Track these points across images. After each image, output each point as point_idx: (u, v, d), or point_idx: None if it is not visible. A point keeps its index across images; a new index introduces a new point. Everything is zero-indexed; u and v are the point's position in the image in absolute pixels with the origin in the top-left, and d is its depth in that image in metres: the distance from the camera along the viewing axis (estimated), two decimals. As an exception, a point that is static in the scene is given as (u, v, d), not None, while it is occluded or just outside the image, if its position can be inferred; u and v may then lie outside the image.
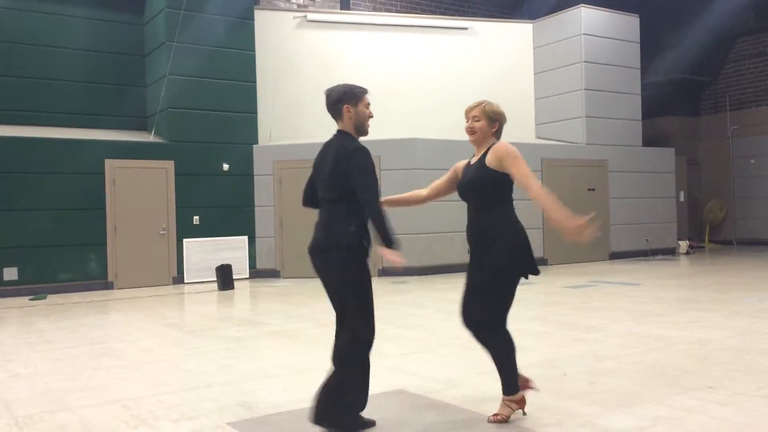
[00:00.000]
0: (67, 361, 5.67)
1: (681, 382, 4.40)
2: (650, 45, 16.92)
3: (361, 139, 3.66)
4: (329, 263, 3.52)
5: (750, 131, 17.76)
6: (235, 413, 4.02)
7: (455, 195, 3.92)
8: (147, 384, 4.79)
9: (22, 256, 10.50)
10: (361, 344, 3.51)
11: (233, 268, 11.32)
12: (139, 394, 4.52)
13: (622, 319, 6.90)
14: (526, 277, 3.65)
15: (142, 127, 12.51)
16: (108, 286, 11.12)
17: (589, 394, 4.17)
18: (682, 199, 16.95)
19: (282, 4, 14.67)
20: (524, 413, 3.74)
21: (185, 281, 11.72)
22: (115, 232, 11.22)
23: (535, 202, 3.47)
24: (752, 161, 17.71)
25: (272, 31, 13.13)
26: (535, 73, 15.14)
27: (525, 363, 5.00)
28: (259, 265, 12.40)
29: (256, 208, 12.44)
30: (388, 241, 3.39)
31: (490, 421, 3.66)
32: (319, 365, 5.19)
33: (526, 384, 3.75)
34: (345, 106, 3.59)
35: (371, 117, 3.67)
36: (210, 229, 12.00)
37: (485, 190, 3.64)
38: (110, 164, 11.21)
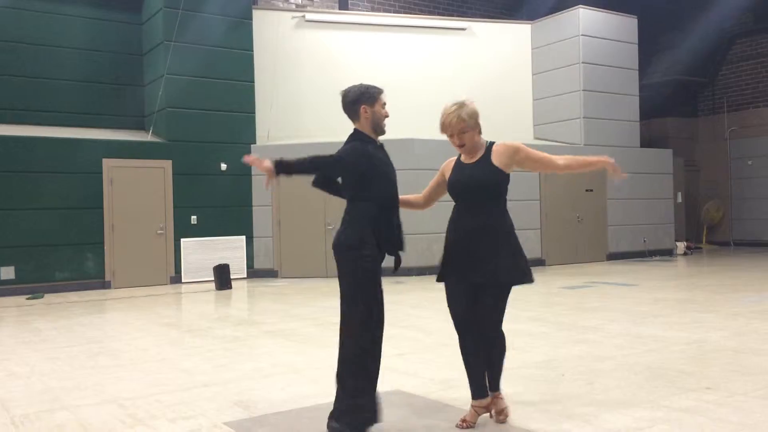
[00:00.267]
0: (65, 360, 5.66)
1: (679, 382, 4.40)
2: (648, 46, 16.95)
3: None
4: (336, 259, 3.57)
5: (748, 132, 17.79)
6: (232, 413, 4.01)
7: None
8: (144, 383, 4.78)
9: (19, 255, 10.48)
10: (355, 348, 3.43)
11: (231, 267, 11.30)
12: (136, 393, 4.51)
13: (620, 320, 6.90)
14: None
15: (140, 127, 12.50)
16: (105, 285, 11.10)
17: (587, 395, 4.17)
18: (679, 200, 16.97)
19: (280, 4, 14.66)
20: (491, 416, 3.71)
21: (183, 281, 11.70)
22: (113, 231, 11.20)
23: (567, 171, 3.68)
24: (750, 162, 17.74)
25: (270, 30, 13.12)
26: (533, 74, 15.16)
27: (523, 363, 5.01)
28: (257, 265, 12.39)
29: (254, 208, 12.42)
30: (286, 164, 3.38)
31: (458, 426, 3.60)
32: (317, 365, 5.19)
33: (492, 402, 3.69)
34: (362, 106, 3.60)
35: (387, 116, 3.71)
36: (208, 228, 11.99)
37: (490, 189, 3.67)
38: (108, 163, 11.20)
